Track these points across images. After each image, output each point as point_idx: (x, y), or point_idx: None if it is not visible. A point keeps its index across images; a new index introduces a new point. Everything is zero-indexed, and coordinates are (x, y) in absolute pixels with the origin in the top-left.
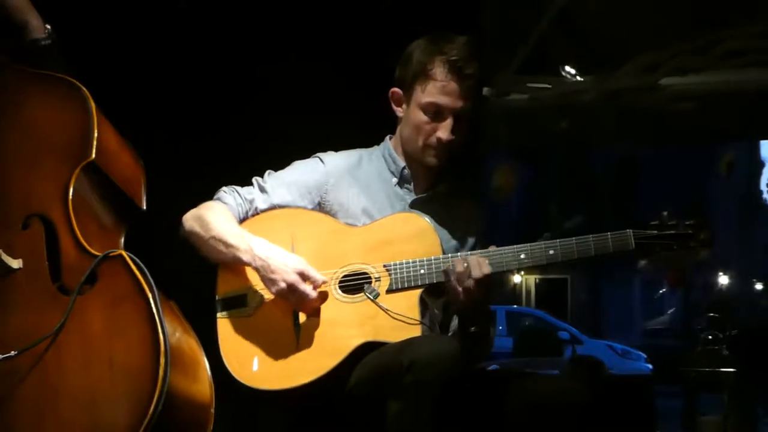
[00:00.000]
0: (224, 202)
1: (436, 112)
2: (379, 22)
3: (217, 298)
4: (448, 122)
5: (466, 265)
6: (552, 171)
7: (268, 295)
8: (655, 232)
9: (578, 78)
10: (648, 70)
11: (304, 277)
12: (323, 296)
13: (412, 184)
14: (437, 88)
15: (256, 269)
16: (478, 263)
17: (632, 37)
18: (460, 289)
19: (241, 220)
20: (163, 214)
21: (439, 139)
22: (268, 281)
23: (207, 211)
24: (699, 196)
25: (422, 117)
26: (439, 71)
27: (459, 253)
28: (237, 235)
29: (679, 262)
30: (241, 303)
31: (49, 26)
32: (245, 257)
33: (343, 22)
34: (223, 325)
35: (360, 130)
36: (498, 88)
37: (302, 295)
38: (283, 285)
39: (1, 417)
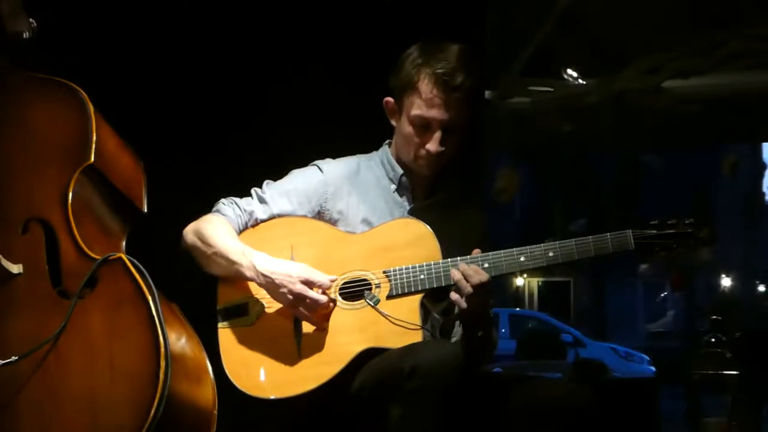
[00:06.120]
0: (223, 215)
1: (424, 125)
2: (381, 25)
3: (218, 307)
4: (437, 134)
5: (461, 275)
6: (555, 174)
7: (269, 304)
8: (654, 231)
9: (581, 81)
10: (650, 73)
11: (309, 284)
12: (332, 301)
13: (410, 191)
14: (423, 101)
15: (261, 285)
16: (475, 272)
17: (635, 39)
18: (461, 297)
19: (241, 231)
20: (165, 216)
21: (428, 151)
22: (276, 295)
23: (207, 226)
24: (702, 198)
25: (411, 129)
26: (424, 84)
27: (458, 258)
28: (239, 251)
29: (680, 260)
30: (242, 312)
31: (33, 21)
32: (249, 274)
33: (345, 24)
34: (225, 335)
35: (360, 135)
36: (500, 91)
37: (312, 303)
38: (291, 297)
39: (4, 421)
